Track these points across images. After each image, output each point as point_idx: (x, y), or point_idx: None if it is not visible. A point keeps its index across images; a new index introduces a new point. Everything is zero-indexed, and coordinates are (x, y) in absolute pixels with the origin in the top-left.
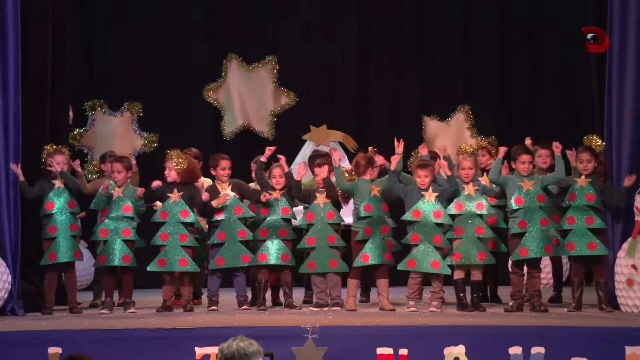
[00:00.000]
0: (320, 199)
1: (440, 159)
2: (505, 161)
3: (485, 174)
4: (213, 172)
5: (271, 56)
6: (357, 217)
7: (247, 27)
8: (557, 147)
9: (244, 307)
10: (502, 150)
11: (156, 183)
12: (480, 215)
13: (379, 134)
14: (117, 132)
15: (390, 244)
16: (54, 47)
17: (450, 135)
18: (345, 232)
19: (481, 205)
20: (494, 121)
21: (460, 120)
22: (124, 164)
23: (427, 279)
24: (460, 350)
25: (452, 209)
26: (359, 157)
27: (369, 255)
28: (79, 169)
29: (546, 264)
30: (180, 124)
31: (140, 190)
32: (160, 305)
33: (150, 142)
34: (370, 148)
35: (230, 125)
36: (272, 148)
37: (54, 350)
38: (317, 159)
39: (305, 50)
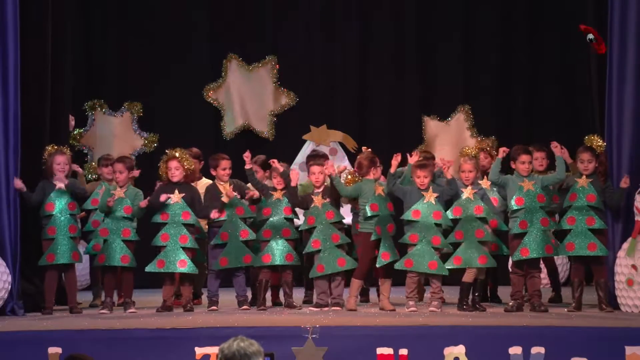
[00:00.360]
0: (317, 200)
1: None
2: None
3: (485, 176)
4: (213, 173)
5: (271, 56)
6: (364, 217)
7: (247, 27)
8: (555, 146)
9: (244, 307)
10: (502, 150)
11: (165, 197)
12: (481, 219)
13: (379, 134)
14: (117, 132)
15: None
16: (54, 46)
17: (450, 135)
18: (345, 231)
19: (480, 209)
20: (494, 121)
21: (460, 120)
22: (126, 164)
23: (427, 279)
24: (460, 350)
25: (451, 213)
26: (361, 157)
27: (388, 253)
28: (79, 169)
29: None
30: (180, 124)
31: (144, 203)
32: (160, 305)
33: (150, 142)
34: (363, 148)
35: (230, 125)
36: (247, 154)
37: (54, 350)
38: (311, 160)
39: (305, 50)
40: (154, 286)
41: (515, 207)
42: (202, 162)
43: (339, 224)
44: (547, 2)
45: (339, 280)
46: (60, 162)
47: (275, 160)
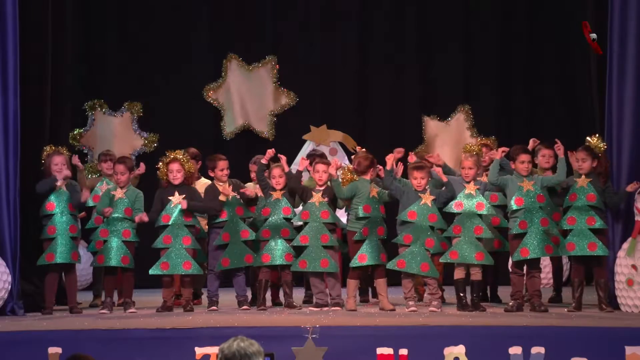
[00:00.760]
0: (316, 197)
1: (434, 167)
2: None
3: (485, 174)
4: (211, 174)
5: (271, 56)
6: (356, 217)
7: (247, 27)
8: (559, 148)
9: (244, 307)
10: (501, 150)
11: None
12: (480, 215)
13: (379, 134)
14: (117, 132)
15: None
16: (54, 47)
17: (450, 135)
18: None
19: (481, 205)
20: (494, 121)
21: (460, 120)
22: (127, 165)
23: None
24: (460, 350)
25: (453, 207)
26: (361, 156)
27: (366, 255)
28: (80, 164)
29: (546, 264)
30: (180, 124)
31: (146, 217)
32: (160, 306)
33: (150, 142)
34: (358, 148)
35: (230, 125)
36: (272, 150)
37: (54, 350)
38: (317, 157)
39: (305, 50)
40: (154, 286)
41: (515, 207)
42: (200, 162)
43: (331, 224)
44: (547, 2)
45: (333, 281)
46: (58, 162)
47: (284, 157)
